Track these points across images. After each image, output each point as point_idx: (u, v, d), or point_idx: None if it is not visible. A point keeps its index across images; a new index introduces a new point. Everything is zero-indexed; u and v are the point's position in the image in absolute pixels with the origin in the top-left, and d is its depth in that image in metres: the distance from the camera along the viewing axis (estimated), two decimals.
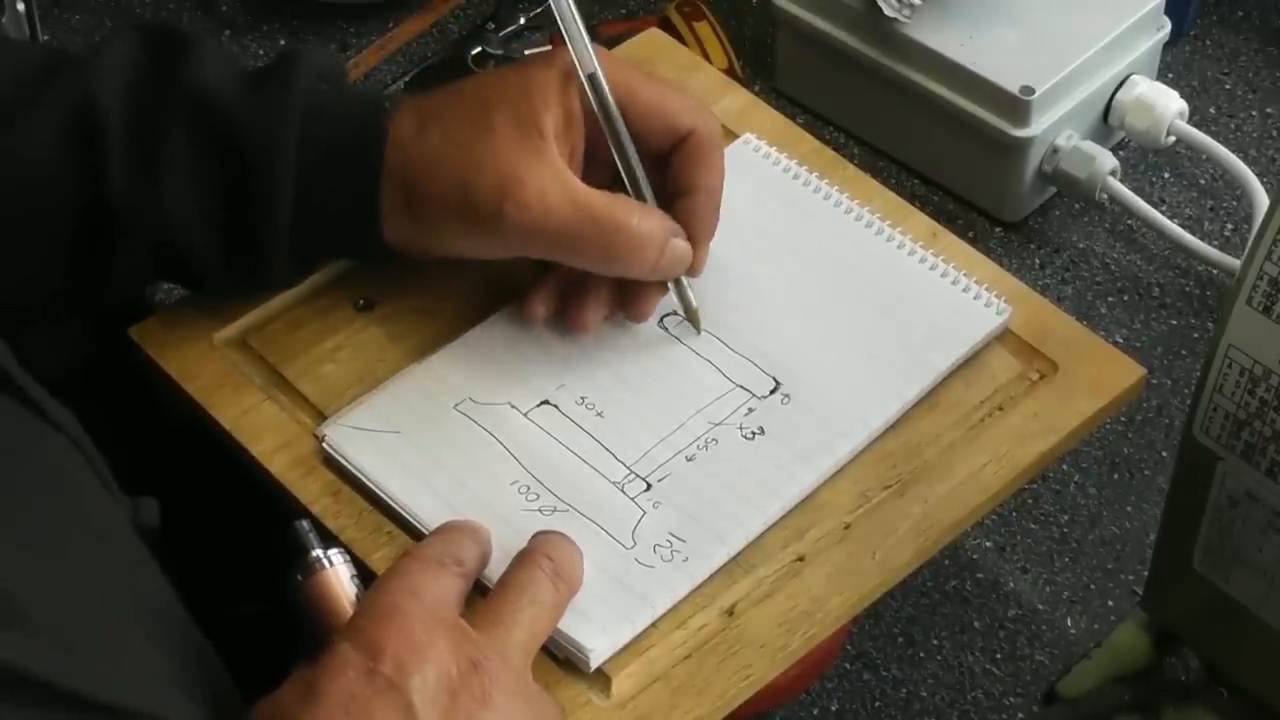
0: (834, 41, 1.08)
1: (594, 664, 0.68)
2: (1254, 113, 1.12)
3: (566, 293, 0.77)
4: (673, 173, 0.76)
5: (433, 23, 1.20)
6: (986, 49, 1.03)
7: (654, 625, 0.70)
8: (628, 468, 0.74)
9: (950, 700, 0.86)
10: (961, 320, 0.79)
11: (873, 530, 0.73)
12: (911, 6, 1.03)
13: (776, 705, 0.84)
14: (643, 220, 0.73)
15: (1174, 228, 1.04)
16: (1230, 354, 0.68)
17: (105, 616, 0.57)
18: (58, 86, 0.72)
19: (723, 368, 0.77)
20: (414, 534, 0.72)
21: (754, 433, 0.75)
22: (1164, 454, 0.95)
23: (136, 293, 0.81)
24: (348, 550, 0.67)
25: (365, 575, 0.67)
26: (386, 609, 0.62)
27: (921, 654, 0.88)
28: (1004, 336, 0.79)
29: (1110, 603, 0.89)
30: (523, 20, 1.17)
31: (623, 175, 0.75)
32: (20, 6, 1.04)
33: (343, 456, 0.74)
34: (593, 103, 0.73)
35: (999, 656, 0.87)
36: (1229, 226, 1.06)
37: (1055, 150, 1.04)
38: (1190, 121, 1.06)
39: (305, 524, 0.66)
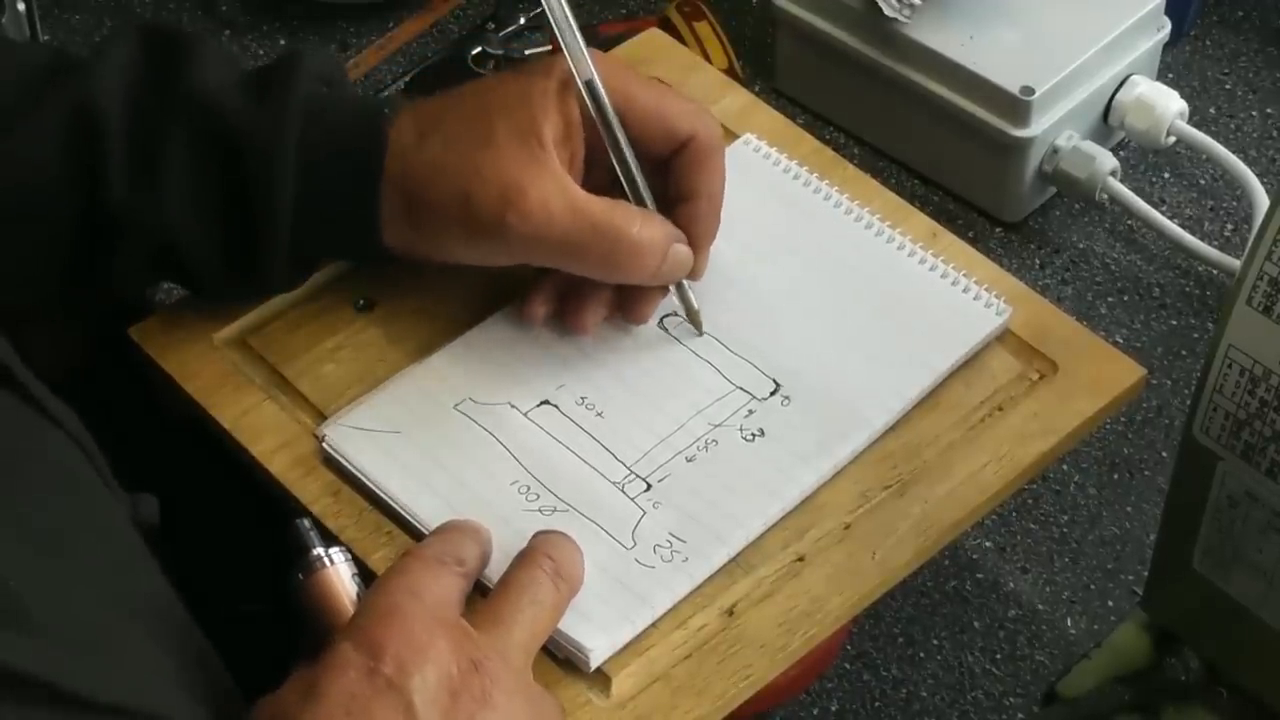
0: (834, 41, 1.08)
1: (594, 664, 0.68)
2: (1254, 113, 1.12)
3: (565, 294, 0.77)
4: (674, 178, 0.76)
5: (433, 23, 1.20)
6: (986, 49, 1.03)
7: (654, 625, 0.70)
8: (628, 468, 0.74)
9: (950, 700, 0.86)
10: (961, 321, 0.79)
11: (873, 530, 0.73)
12: (911, 6, 1.03)
13: (776, 705, 0.84)
14: (644, 227, 0.73)
15: (1174, 228, 1.04)
16: (1230, 354, 0.68)
17: (106, 615, 0.58)
18: (59, 89, 0.72)
19: (723, 369, 0.77)
20: (414, 534, 0.72)
21: (754, 434, 0.75)
22: (1164, 454, 0.95)
23: (136, 294, 0.82)
24: (348, 550, 0.67)
25: (365, 575, 0.67)
26: (387, 608, 0.62)
27: (921, 654, 0.88)
28: (1004, 337, 0.79)
29: (1110, 603, 0.89)
30: (523, 20, 1.17)
31: (622, 182, 0.75)
32: (20, 6, 1.04)
33: (343, 456, 0.74)
34: (590, 109, 0.73)
35: (999, 656, 0.88)
36: (1229, 226, 1.06)
37: (1055, 150, 1.04)
38: (1190, 122, 1.06)
39: (306, 522, 0.66)
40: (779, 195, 0.84)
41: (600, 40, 1.10)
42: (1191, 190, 1.08)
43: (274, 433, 0.75)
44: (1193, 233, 1.04)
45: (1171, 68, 1.13)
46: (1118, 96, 1.06)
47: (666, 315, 0.79)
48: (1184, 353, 1.00)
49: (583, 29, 0.73)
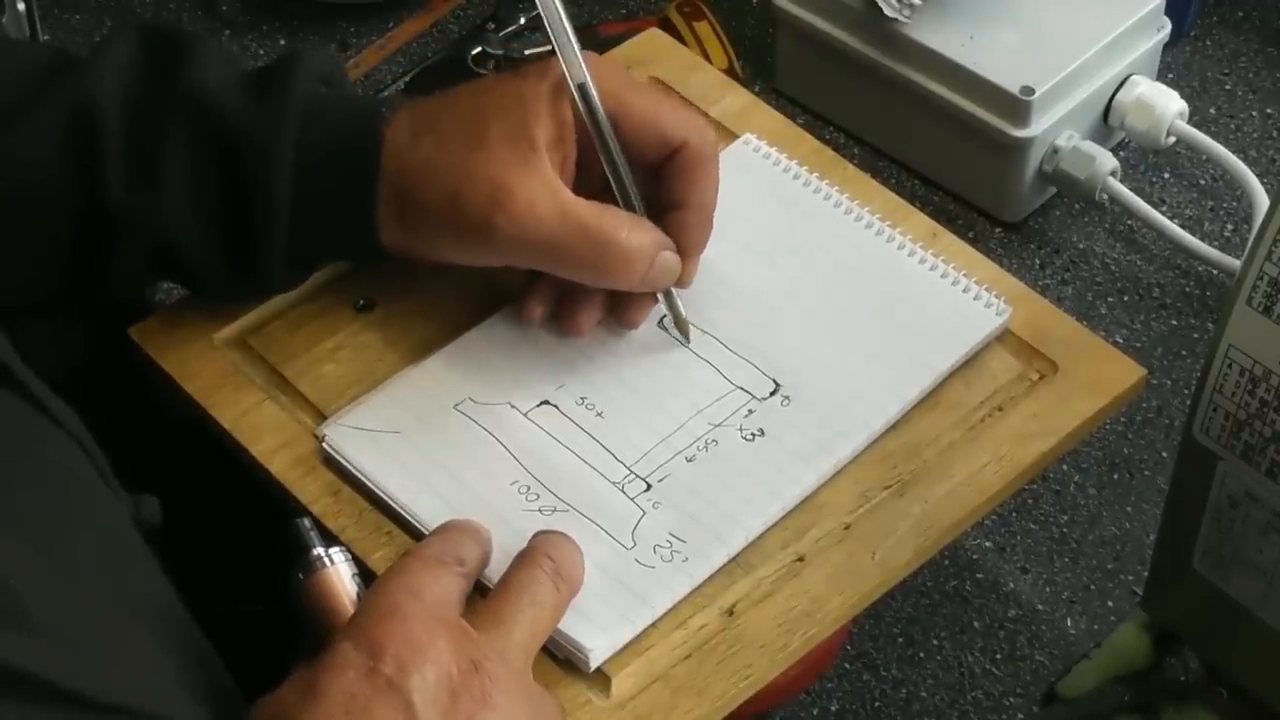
0: (834, 41, 1.08)
1: (594, 664, 0.68)
2: (1254, 113, 1.12)
3: (562, 296, 0.77)
4: (665, 186, 0.75)
5: (433, 23, 1.20)
6: (986, 49, 1.03)
7: (654, 625, 0.70)
8: (628, 468, 0.74)
9: (950, 700, 0.86)
10: (961, 321, 0.79)
11: (873, 530, 0.73)
12: (911, 6, 1.03)
13: (776, 705, 0.84)
14: (632, 233, 0.73)
15: (1174, 228, 1.04)
16: (1230, 354, 0.68)
17: (106, 615, 0.58)
18: (58, 88, 0.72)
19: (723, 369, 0.77)
20: (414, 534, 0.72)
21: (754, 434, 0.75)
22: (1164, 454, 0.95)
23: (135, 294, 0.81)
24: (348, 550, 0.67)
25: (365, 575, 0.67)
26: (387, 608, 0.62)
27: (921, 654, 0.88)
28: (1004, 337, 0.79)
29: (1110, 603, 0.89)
30: (523, 20, 1.17)
31: (612, 186, 0.75)
32: (20, 6, 1.04)
33: (343, 456, 0.74)
34: (582, 113, 0.73)
35: (999, 657, 0.87)
36: (1229, 227, 1.06)
37: (1055, 150, 1.04)
38: (1190, 122, 1.06)
39: (306, 522, 0.66)
40: (779, 195, 0.84)
41: (600, 40, 1.10)
42: (1191, 190, 1.08)
43: (274, 433, 0.75)
44: (1193, 233, 1.04)
45: (1171, 68, 1.13)
46: (1118, 96, 1.06)
47: (665, 316, 0.79)
48: (1184, 353, 1.00)
49: (583, 29, 0.73)
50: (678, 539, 0.71)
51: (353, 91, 0.78)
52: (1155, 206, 1.05)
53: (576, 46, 0.73)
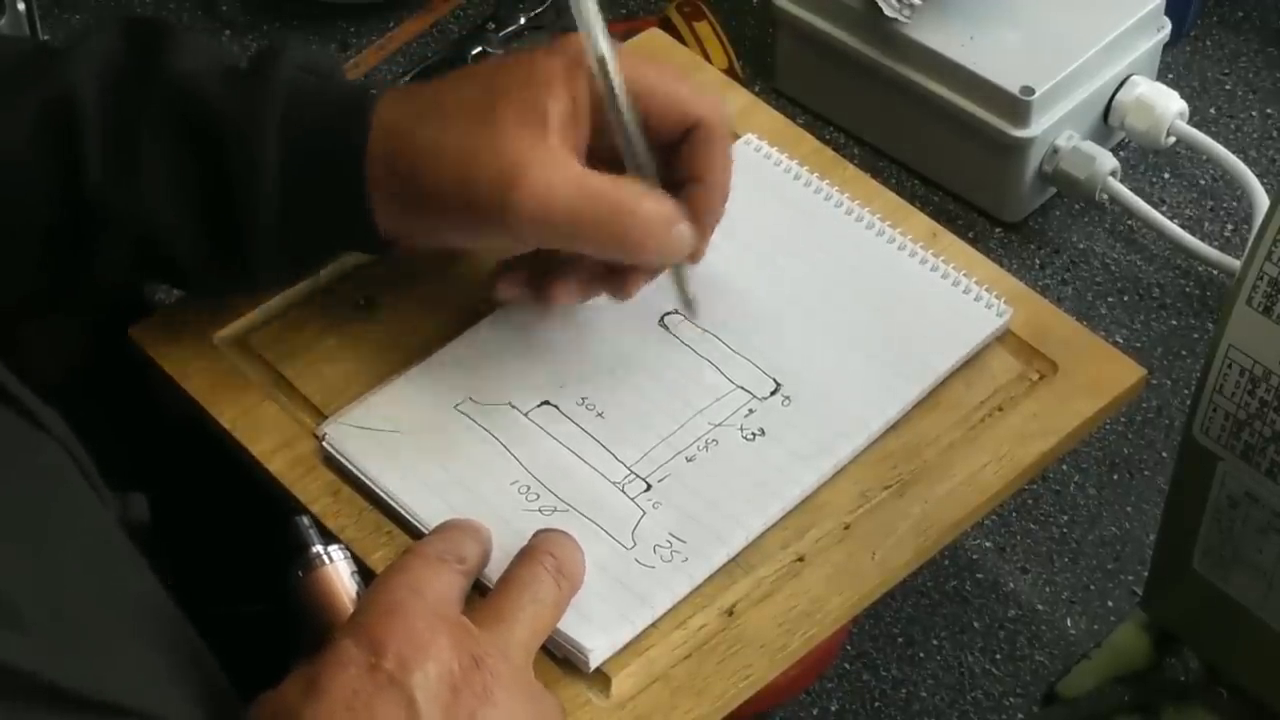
0: (834, 41, 1.08)
1: (594, 664, 0.68)
2: (1254, 113, 1.12)
3: (540, 272, 0.75)
4: (682, 161, 0.74)
5: (433, 23, 1.20)
6: (986, 49, 1.03)
7: (654, 625, 0.70)
8: (628, 468, 0.74)
9: (950, 700, 0.86)
10: (962, 321, 0.79)
11: (873, 530, 0.73)
12: (911, 6, 1.03)
13: (776, 705, 0.84)
14: (650, 204, 0.72)
15: (1174, 228, 1.04)
16: (1230, 354, 0.68)
17: (96, 614, 0.57)
18: (36, 78, 0.71)
19: (723, 369, 0.77)
20: (414, 533, 0.72)
21: (754, 434, 0.75)
22: (1164, 454, 0.95)
23: (124, 290, 0.80)
24: (347, 548, 0.67)
25: (365, 575, 0.67)
26: (388, 605, 0.62)
27: (921, 654, 0.88)
28: (1004, 337, 0.79)
29: (1110, 603, 0.89)
30: (523, 20, 1.17)
31: (625, 159, 0.73)
32: (20, 6, 1.03)
33: (343, 455, 0.74)
34: (600, 84, 0.71)
35: (999, 657, 0.87)
36: (1229, 227, 1.06)
37: (1055, 150, 1.04)
38: (1190, 122, 1.06)
39: (305, 520, 0.66)
40: (779, 195, 0.84)
41: None
42: (1191, 190, 1.08)
43: (274, 432, 0.75)
44: (1193, 233, 1.04)
45: (1171, 68, 1.13)
46: (1118, 97, 1.06)
47: (667, 314, 0.79)
48: (1184, 353, 1.00)
49: None
50: (678, 539, 0.71)
51: (341, 79, 0.76)
52: (1155, 206, 1.05)
53: (599, 20, 0.72)
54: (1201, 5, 1.16)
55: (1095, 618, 0.88)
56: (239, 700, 0.61)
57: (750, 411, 0.76)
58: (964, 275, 0.80)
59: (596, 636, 0.68)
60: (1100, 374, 0.78)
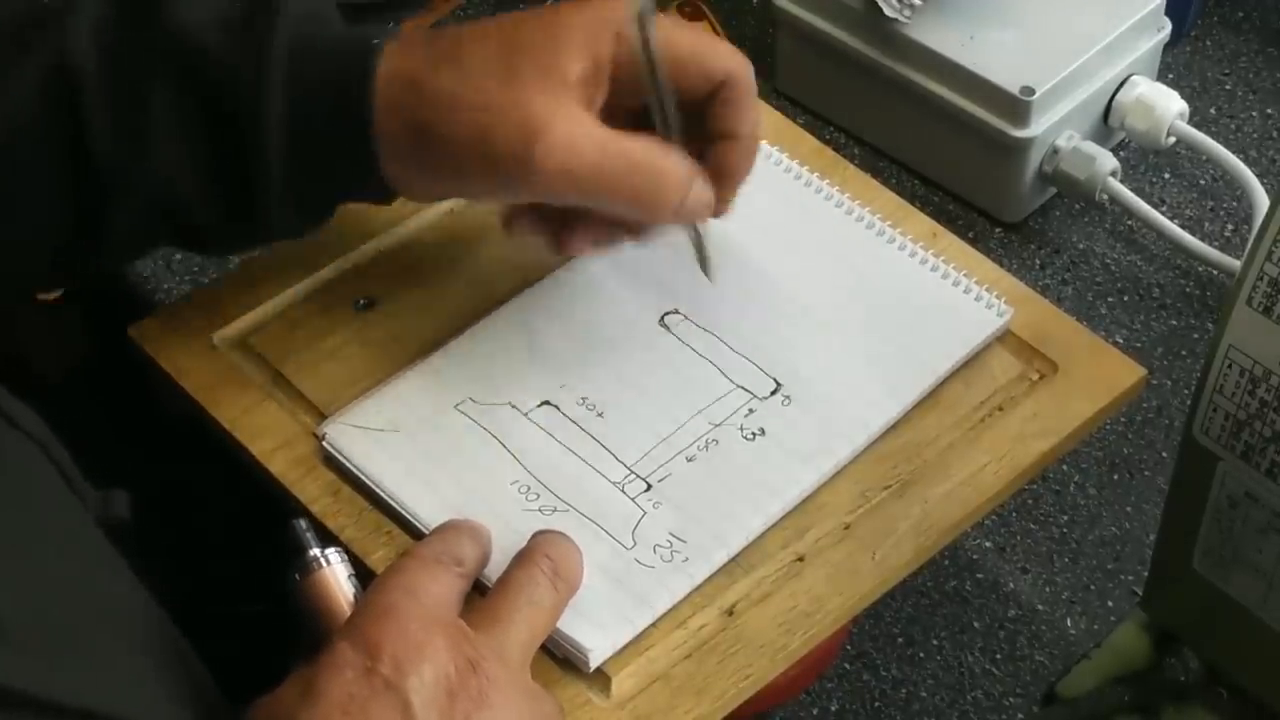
0: (834, 41, 1.08)
1: (593, 664, 0.68)
2: (1254, 113, 1.12)
3: (556, 219, 0.75)
4: (710, 118, 0.73)
5: (433, 23, 1.20)
6: (986, 49, 1.03)
7: (654, 625, 0.70)
8: (628, 468, 0.74)
9: (950, 700, 0.86)
10: (962, 321, 0.79)
11: (873, 530, 0.73)
12: (912, 7, 1.03)
13: (776, 705, 0.84)
14: (670, 163, 0.71)
15: (1174, 228, 1.04)
16: (1230, 354, 0.68)
17: (75, 618, 0.57)
18: (32, 42, 0.70)
19: (723, 368, 0.77)
20: (414, 534, 0.72)
21: (754, 434, 0.75)
22: (1164, 454, 0.95)
23: (137, 256, 0.79)
24: (346, 550, 0.67)
25: (364, 575, 0.67)
26: (385, 608, 0.62)
27: (921, 654, 0.87)
28: (1004, 337, 0.79)
29: (1110, 603, 0.89)
30: None
31: (654, 117, 0.72)
32: None
33: (343, 455, 0.74)
34: (637, 43, 0.70)
35: (999, 657, 0.87)
36: (1229, 227, 1.06)
37: (1055, 151, 1.04)
38: (1190, 122, 1.06)
39: (303, 523, 0.66)
40: (779, 195, 0.84)
41: None
42: (1191, 190, 1.08)
43: (274, 432, 0.75)
44: (1193, 233, 1.04)
45: (1171, 68, 1.13)
46: (1118, 97, 1.06)
47: (667, 314, 0.79)
48: (1184, 353, 1.00)
49: None
50: (678, 539, 0.71)
51: (343, 25, 0.75)
52: (1155, 207, 1.05)
53: None
54: (1201, 5, 1.16)
55: (1095, 618, 0.88)
56: (225, 699, 0.61)
57: (750, 411, 0.76)
58: (964, 275, 0.80)
59: (596, 636, 0.68)
60: (1100, 374, 0.78)
